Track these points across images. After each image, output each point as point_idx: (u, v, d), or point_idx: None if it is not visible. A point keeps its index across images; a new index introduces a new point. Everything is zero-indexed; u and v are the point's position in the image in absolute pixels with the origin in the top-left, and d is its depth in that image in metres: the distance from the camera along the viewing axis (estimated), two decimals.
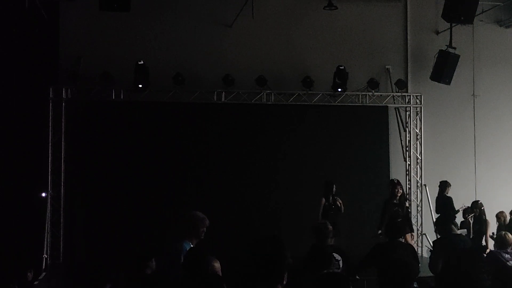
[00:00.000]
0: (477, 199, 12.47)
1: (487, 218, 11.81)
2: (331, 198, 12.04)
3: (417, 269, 5.72)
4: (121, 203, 12.71)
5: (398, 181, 12.64)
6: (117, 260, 5.50)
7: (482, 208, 11.88)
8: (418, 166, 14.13)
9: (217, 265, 6.03)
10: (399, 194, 12.23)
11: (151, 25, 13.44)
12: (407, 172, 14.17)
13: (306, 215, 13.08)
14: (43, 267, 11.99)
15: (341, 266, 6.56)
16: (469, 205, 12.22)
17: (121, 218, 12.60)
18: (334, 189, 12.11)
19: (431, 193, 13.65)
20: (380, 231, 11.61)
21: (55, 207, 12.63)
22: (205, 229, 6.33)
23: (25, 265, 10.97)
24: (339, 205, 12.02)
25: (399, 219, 11.98)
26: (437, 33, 14.28)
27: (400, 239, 7.70)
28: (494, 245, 8.79)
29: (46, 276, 11.67)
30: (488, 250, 10.47)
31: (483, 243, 11.63)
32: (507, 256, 7.93)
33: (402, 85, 13.96)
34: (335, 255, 6.69)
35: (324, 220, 7.44)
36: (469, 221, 11.58)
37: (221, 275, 5.99)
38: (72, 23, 13.13)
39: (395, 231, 7.48)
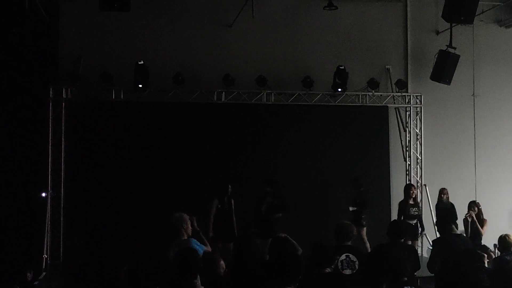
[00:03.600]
0: (474, 199, 12.47)
1: (484, 217, 11.80)
2: (225, 199, 11.64)
3: (407, 267, 5.73)
4: (121, 203, 12.71)
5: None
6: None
7: (480, 207, 11.89)
8: (418, 166, 14.13)
9: (222, 263, 6.15)
10: (413, 195, 12.20)
11: (151, 25, 13.44)
12: (407, 172, 14.17)
13: (306, 214, 13.11)
14: (43, 267, 11.99)
15: (357, 267, 6.57)
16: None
17: (121, 218, 12.59)
18: (229, 190, 11.69)
19: (431, 193, 13.65)
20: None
21: (55, 207, 12.62)
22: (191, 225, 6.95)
23: (25, 265, 10.97)
24: (232, 207, 11.66)
25: (415, 220, 12.01)
26: (437, 33, 14.28)
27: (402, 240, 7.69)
28: (498, 248, 8.75)
29: (46, 276, 11.68)
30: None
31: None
32: (508, 258, 7.91)
33: (402, 85, 13.97)
34: (351, 255, 6.70)
35: (348, 221, 7.43)
36: (468, 220, 11.58)
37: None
38: (72, 23, 13.13)
39: (396, 232, 7.47)
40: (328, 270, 6.00)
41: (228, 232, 11.40)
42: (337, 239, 6.97)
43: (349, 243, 6.95)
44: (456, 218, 12.08)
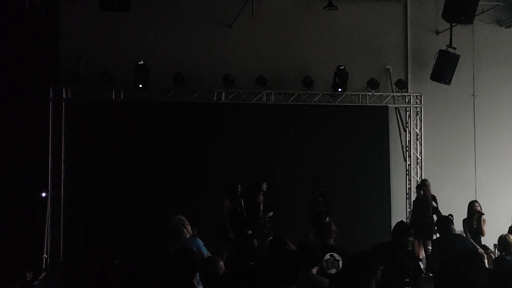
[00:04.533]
0: (474, 199, 12.46)
1: (484, 218, 11.82)
2: (236, 199, 11.57)
3: (409, 267, 5.73)
4: (121, 203, 12.71)
5: (422, 182, 12.67)
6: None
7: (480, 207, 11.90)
8: (418, 166, 14.13)
9: (221, 264, 6.16)
10: (420, 196, 12.17)
11: (151, 25, 13.44)
12: (407, 172, 14.17)
13: (305, 214, 13.10)
14: (43, 267, 12.00)
15: (340, 266, 6.60)
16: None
17: (121, 218, 12.60)
18: (239, 190, 11.61)
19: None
20: None
21: (55, 207, 12.62)
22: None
23: (25, 265, 10.97)
24: (242, 207, 11.56)
25: (426, 219, 11.97)
26: (437, 33, 14.28)
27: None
28: (498, 248, 8.75)
29: (46, 276, 11.68)
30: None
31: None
32: (508, 258, 7.91)
33: (402, 85, 13.96)
34: (335, 255, 6.73)
35: (329, 220, 7.48)
36: (475, 219, 11.55)
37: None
38: (72, 23, 13.13)
39: (398, 231, 7.47)
40: (313, 270, 6.04)
41: (240, 232, 11.39)
42: (320, 238, 7.03)
43: (332, 241, 7.00)
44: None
